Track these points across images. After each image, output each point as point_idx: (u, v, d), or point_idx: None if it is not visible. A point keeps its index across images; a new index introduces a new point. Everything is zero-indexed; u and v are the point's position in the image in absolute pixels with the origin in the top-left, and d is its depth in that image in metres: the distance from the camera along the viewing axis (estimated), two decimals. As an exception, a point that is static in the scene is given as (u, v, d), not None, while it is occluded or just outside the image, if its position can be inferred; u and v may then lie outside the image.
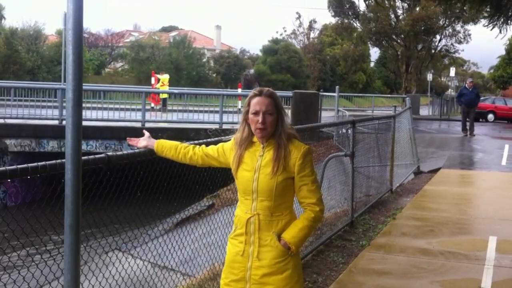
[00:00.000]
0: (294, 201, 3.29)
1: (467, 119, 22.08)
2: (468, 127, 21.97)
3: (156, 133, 16.83)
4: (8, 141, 16.23)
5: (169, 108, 20.25)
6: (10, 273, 3.21)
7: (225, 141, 3.47)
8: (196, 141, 3.82)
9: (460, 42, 49.12)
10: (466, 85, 22.52)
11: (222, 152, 3.39)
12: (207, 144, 3.60)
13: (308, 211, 3.17)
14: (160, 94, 24.23)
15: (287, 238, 3.12)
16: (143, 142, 3.64)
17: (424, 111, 40.10)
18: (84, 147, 16.44)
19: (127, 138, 3.66)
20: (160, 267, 6.09)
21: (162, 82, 26.73)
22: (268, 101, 3.13)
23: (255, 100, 3.15)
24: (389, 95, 55.53)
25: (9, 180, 15.33)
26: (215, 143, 3.59)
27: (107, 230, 4.87)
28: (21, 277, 3.24)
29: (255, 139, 3.21)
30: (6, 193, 15.91)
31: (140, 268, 5.23)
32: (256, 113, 3.12)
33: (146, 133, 3.72)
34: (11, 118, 16.90)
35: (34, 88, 19.61)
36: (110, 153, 3.26)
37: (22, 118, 17.06)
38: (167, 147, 3.54)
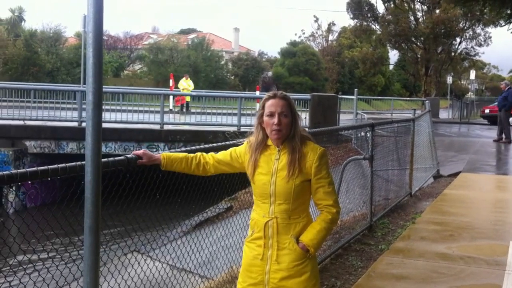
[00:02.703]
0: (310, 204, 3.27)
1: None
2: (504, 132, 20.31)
3: (175, 135, 16.95)
4: (27, 143, 16.41)
5: (182, 110, 20.32)
6: (29, 274, 3.23)
7: (237, 145, 3.44)
8: (198, 147, 3.74)
9: (480, 45, 48.65)
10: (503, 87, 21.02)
11: (236, 156, 3.35)
12: (207, 151, 3.51)
13: (325, 213, 3.16)
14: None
15: (305, 241, 3.11)
16: (147, 160, 3.28)
17: (444, 114, 39.74)
18: (103, 149, 16.39)
19: (138, 161, 3.22)
20: (178, 269, 6.10)
21: (188, 85, 27.09)
22: (282, 103, 3.13)
23: (269, 102, 3.14)
24: (408, 98, 55.10)
25: (29, 182, 15.58)
26: (226, 147, 3.54)
27: (126, 232, 4.89)
28: (40, 278, 3.26)
29: (269, 142, 3.20)
30: (25, 194, 16.07)
31: (158, 270, 5.24)
32: (271, 115, 3.11)
33: (145, 152, 3.30)
34: (30, 120, 17.07)
35: (53, 90, 19.82)
36: (129, 155, 3.25)
37: (42, 120, 17.22)
38: (176, 161, 3.32)
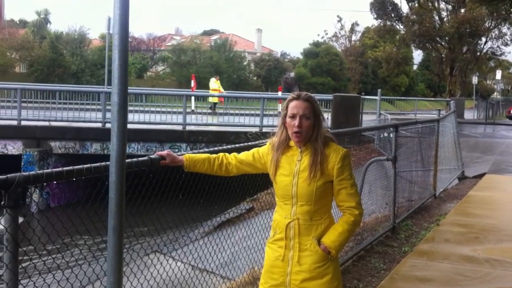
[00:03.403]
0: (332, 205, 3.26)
1: None
2: None
3: (197, 136, 17.01)
4: (52, 143, 16.61)
5: (209, 111, 20.40)
6: (54, 274, 3.26)
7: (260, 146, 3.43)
8: (220, 147, 3.73)
9: (506, 44, 47.96)
10: None
11: (259, 157, 3.34)
12: (229, 151, 3.51)
13: (347, 215, 3.14)
14: (211, 99, 24.46)
15: (327, 243, 3.09)
16: (171, 161, 3.29)
17: (469, 115, 39.26)
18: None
19: (161, 162, 3.24)
20: (200, 270, 6.12)
21: (219, 86, 27.23)
22: (305, 105, 3.11)
23: (292, 104, 3.13)
24: (432, 99, 54.53)
25: (53, 182, 15.70)
26: (248, 148, 3.54)
27: (148, 232, 4.92)
28: (64, 278, 3.29)
29: (292, 143, 3.19)
30: (49, 194, 16.27)
31: (180, 271, 5.26)
32: (293, 117, 3.10)
33: (169, 153, 3.32)
34: (55, 120, 17.27)
35: (78, 91, 20.04)
36: (153, 156, 3.27)
37: (67, 120, 17.41)
38: (199, 162, 3.32)
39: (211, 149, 3.71)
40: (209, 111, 22.63)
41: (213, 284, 5.80)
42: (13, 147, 16.34)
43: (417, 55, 60.72)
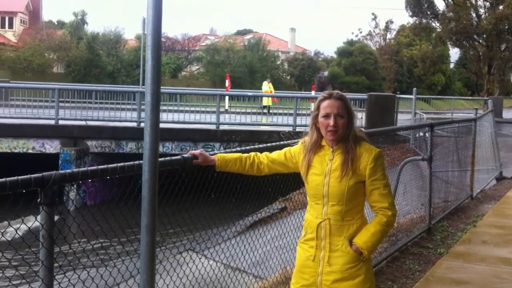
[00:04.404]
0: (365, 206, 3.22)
1: None
2: None
3: (230, 135, 17.08)
4: (89, 143, 16.91)
5: (243, 110, 20.42)
6: (88, 271, 3.31)
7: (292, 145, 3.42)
8: (252, 147, 3.73)
9: (546, 42, 46.63)
10: None
11: (290, 156, 3.33)
12: (261, 150, 3.50)
13: (380, 216, 3.10)
14: (264, 101, 24.47)
15: (359, 243, 3.06)
16: (203, 161, 3.31)
17: (508, 114, 38.39)
18: (160, 148, 16.77)
19: (193, 161, 3.28)
20: (232, 269, 6.13)
21: (270, 88, 27.39)
22: (338, 104, 3.08)
23: (325, 103, 3.10)
24: (469, 97, 53.47)
25: (89, 180, 15.95)
26: (280, 147, 3.52)
27: (182, 231, 4.95)
28: (98, 275, 3.34)
29: (324, 142, 3.16)
30: (86, 193, 16.56)
31: (213, 269, 5.28)
32: (327, 116, 3.07)
33: (202, 153, 3.34)
34: (92, 120, 17.57)
35: (113, 91, 20.33)
36: (185, 155, 3.29)
37: (103, 120, 17.70)
38: (231, 161, 3.33)
39: (243, 148, 3.71)
40: (268, 111, 22.77)
41: (245, 283, 5.81)
42: (51, 146, 16.68)
43: (454, 53, 59.64)
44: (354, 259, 3.07)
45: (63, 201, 15.84)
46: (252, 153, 3.42)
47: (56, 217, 2.46)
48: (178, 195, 3.88)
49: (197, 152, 3.31)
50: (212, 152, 3.39)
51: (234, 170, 3.39)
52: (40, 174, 2.34)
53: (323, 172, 3.11)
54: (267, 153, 3.44)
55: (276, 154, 3.40)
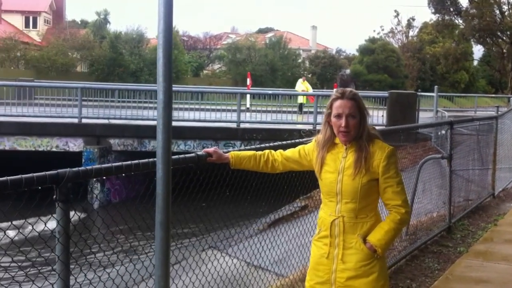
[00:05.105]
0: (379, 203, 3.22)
1: None
2: None
3: (251, 133, 17.10)
4: (112, 141, 17.09)
5: (263, 108, 20.43)
6: (111, 269, 3.37)
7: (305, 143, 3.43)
8: (266, 145, 3.73)
9: None
10: None
11: (305, 154, 3.34)
12: (275, 148, 3.51)
13: (394, 213, 3.10)
14: (299, 99, 24.24)
15: (372, 241, 3.06)
16: (217, 158, 3.35)
17: (532, 112, 37.67)
18: (182, 147, 16.99)
19: (208, 159, 3.32)
20: (255, 267, 6.17)
21: (306, 87, 26.88)
22: (351, 104, 3.07)
23: (337, 103, 3.10)
24: (493, 95, 52.76)
25: (113, 177, 15.95)
26: (294, 145, 3.53)
27: (205, 229, 4.97)
28: (116, 272, 3.39)
29: (337, 140, 3.17)
30: (110, 190, 16.75)
31: (236, 268, 5.31)
32: (338, 116, 3.08)
33: (216, 151, 3.38)
34: (115, 118, 17.75)
35: (136, 89, 20.50)
36: (199, 153, 3.32)
37: (126, 118, 17.86)
38: (245, 159, 3.35)
39: (258, 146, 3.73)
40: (300, 110, 22.54)
41: (268, 281, 5.84)
42: (74, 145, 16.90)
43: (477, 50, 58.92)
44: (368, 257, 3.08)
45: (88, 199, 16.03)
46: (266, 151, 3.44)
47: (82, 215, 2.52)
48: (193, 192, 3.92)
49: (211, 149, 3.34)
50: (226, 150, 3.42)
51: (248, 168, 3.41)
52: (55, 172, 2.39)
53: (337, 170, 3.12)
54: (281, 150, 3.46)
55: (290, 152, 3.41)
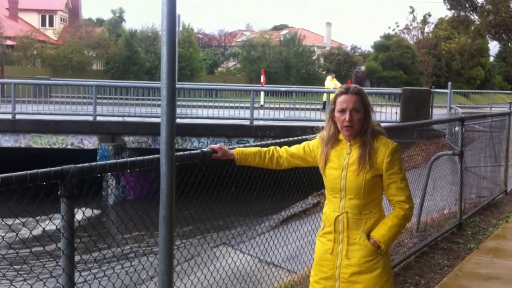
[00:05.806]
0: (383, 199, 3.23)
1: None
2: None
3: (264, 130, 17.13)
4: (126, 138, 17.20)
5: (276, 106, 20.40)
6: (122, 265, 3.42)
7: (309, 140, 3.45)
8: (271, 141, 3.74)
9: None
10: None
11: (309, 150, 3.36)
12: (280, 145, 3.53)
13: (398, 209, 3.12)
14: (325, 97, 23.42)
15: (376, 237, 3.08)
16: (222, 155, 3.36)
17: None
18: (196, 144, 17.07)
19: (213, 155, 3.34)
20: (268, 264, 6.20)
21: (335, 85, 26.10)
22: (355, 99, 3.09)
23: (341, 98, 3.12)
24: (509, 91, 52.16)
25: (128, 175, 15.87)
26: (299, 142, 3.55)
27: (218, 225, 4.99)
28: (125, 271, 3.44)
29: (341, 136, 3.18)
30: (125, 187, 16.88)
31: (249, 265, 5.36)
32: (342, 111, 3.09)
33: (221, 147, 3.39)
34: (129, 116, 17.86)
35: (150, 87, 20.61)
36: (205, 149, 3.36)
37: (140, 116, 17.97)
38: (250, 155, 3.37)
39: (263, 142, 3.76)
40: (321, 108, 22.28)
41: (281, 278, 5.88)
42: (89, 142, 17.05)
43: (493, 47, 58.23)
44: (371, 253, 3.10)
45: (103, 196, 16.17)
46: (272, 147, 3.47)
47: (97, 211, 2.57)
48: (198, 189, 3.95)
49: (216, 146, 3.38)
50: (231, 146, 3.45)
51: (254, 164, 3.44)
52: (60, 168, 2.44)
53: (341, 166, 3.14)
54: (286, 147, 3.49)
55: (295, 148, 3.44)
